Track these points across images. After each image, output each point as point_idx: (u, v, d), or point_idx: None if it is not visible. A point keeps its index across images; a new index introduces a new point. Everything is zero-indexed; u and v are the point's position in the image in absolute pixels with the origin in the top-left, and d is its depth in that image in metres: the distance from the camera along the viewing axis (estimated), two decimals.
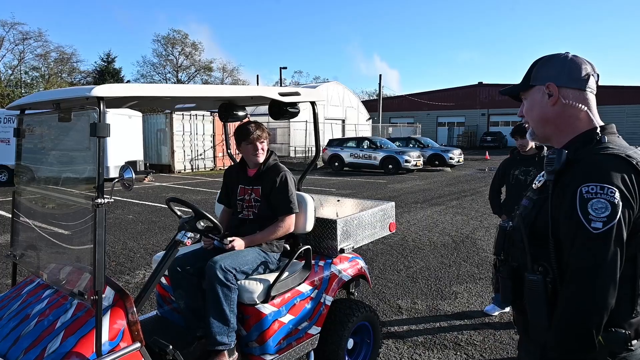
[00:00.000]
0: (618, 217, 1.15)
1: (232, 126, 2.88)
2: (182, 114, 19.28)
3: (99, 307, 1.65)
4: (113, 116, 15.29)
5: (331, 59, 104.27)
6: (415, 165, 17.97)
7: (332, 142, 20.32)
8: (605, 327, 1.18)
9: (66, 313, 1.80)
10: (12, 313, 1.92)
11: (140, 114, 18.03)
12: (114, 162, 16.02)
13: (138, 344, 1.77)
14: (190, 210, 2.26)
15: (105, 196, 1.65)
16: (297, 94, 2.56)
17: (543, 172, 1.38)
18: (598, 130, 1.32)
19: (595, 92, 1.38)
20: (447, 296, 4.49)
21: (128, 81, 44.11)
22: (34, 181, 2.48)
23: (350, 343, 2.86)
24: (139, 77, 55.95)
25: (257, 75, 43.63)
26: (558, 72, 1.35)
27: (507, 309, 4.04)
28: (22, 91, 35.94)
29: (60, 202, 2.15)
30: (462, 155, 20.87)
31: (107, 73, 41.87)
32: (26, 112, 2.32)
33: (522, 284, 1.31)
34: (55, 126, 2.34)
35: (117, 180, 1.73)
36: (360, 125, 31.31)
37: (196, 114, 19.80)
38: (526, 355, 1.41)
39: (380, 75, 34.89)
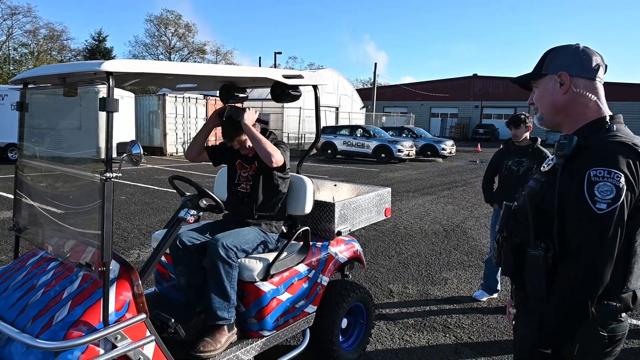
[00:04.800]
0: (622, 199, 1.24)
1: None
2: (175, 96, 19.09)
3: (106, 278, 1.70)
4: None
5: (326, 46, 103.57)
6: (408, 155, 18.07)
7: (325, 130, 20.29)
8: (598, 300, 1.29)
9: (72, 284, 1.84)
10: (18, 283, 1.96)
11: (132, 95, 17.82)
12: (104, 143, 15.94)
13: (143, 315, 1.82)
14: (193, 188, 2.29)
15: (114, 169, 1.68)
16: (300, 76, 2.59)
17: (552, 156, 1.47)
18: (607, 119, 1.40)
19: (603, 82, 1.44)
20: (437, 282, 4.60)
21: None
22: (36, 157, 2.50)
23: (344, 323, 2.94)
24: (131, 57, 55.01)
25: (260, 58, 43.16)
26: (570, 62, 1.42)
27: (495, 295, 4.16)
28: (11, 67, 35.23)
29: (66, 177, 2.17)
30: (455, 147, 21.02)
31: (98, 52, 41.05)
32: (29, 86, 2.31)
33: (524, 258, 1.40)
34: (59, 101, 2.34)
35: (125, 155, 1.76)
36: (354, 113, 31.26)
37: (189, 97, 19.63)
38: (523, 326, 1.50)
39: (375, 64, 34.78)
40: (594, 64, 1.42)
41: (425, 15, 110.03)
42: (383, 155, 17.94)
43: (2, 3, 35.92)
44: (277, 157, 2.46)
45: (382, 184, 11.96)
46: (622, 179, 1.25)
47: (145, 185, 10.39)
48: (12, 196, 7.99)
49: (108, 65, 1.66)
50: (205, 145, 2.85)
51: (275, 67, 37.30)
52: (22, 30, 37.79)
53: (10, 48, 37.09)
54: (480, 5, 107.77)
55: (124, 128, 16.31)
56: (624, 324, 1.38)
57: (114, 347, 1.74)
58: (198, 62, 51.77)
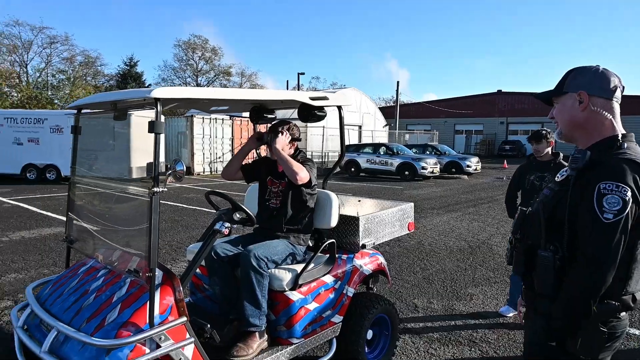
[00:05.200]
0: (627, 211, 1.38)
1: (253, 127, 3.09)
2: (202, 118, 19.70)
3: (152, 284, 1.87)
4: (136, 118, 15.80)
5: (348, 66, 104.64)
6: (432, 172, 18.01)
7: (348, 148, 20.46)
8: (600, 299, 1.42)
9: (121, 289, 2.03)
10: (72, 289, 2.16)
11: (162, 116, 18.54)
12: (137, 163, 16.55)
13: (184, 318, 1.98)
14: (226, 204, 2.47)
15: (160, 185, 1.87)
16: (325, 98, 2.77)
17: (566, 167, 1.62)
18: (620, 137, 1.53)
19: (620, 102, 1.58)
20: (463, 297, 4.62)
21: (149, 85, 45.06)
22: (83, 176, 2.73)
23: (369, 334, 3.03)
24: (160, 80, 57.03)
25: (287, 81, 43.98)
26: (590, 82, 1.57)
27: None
28: (49, 93, 37.08)
29: (114, 192, 2.39)
30: (480, 164, 20.82)
31: (130, 77, 42.77)
32: (82, 111, 2.57)
33: (534, 259, 1.54)
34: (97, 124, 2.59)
35: (169, 172, 1.96)
36: (377, 131, 31.40)
37: (216, 118, 20.21)
38: (531, 324, 1.62)
39: (397, 82, 35.09)
40: (611, 85, 1.56)
41: (447, 31, 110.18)
42: (407, 172, 17.95)
43: (42, 33, 37.89)
44: (302, 175, 2.63)
45: (406, 201, 11.98)
46: (629, 193, 1.38)
47: (174, 204, 10.74)
48: (53, 214, 8.41)
49: (157, 92, 1.87)
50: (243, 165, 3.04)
51: (298, 87, 38.02)
52: (59, 58, 39.89)
53: (48, 74, 39.14)
54: (503, 19, 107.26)
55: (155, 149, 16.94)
56: (624, 322, 1.52)
57: (158, 346, 1.90)
58: (224, 84, 53.27)
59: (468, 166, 19.82)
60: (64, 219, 8.55)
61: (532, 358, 1.62)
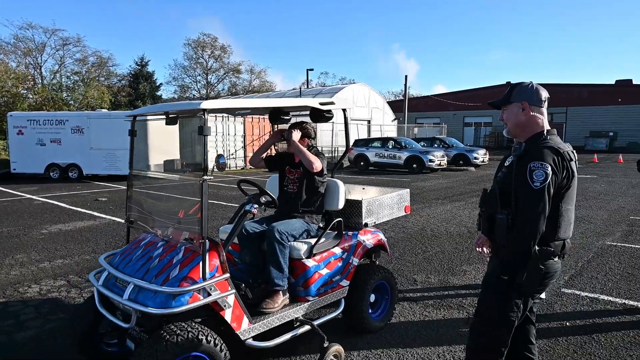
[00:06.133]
0: (548, 180, 2.02)
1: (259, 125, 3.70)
2: (215, 116, 20.40)
3: (204, 249, 2.50)
4: (153, 122, 16.51)
5: (357, 59, 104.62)
6: (439, 164, 18.48)
7: (357, 143, 21.04)
8: (538, 245, 2.05)
9: (178, 254, 2.66)
10: (139, 256, 2.80)
11: (209, 122, 19.25)
12: (154, 161, 17.28)
13: (227, 275, 2.61)
14: (255, 189, 3.09)
15: (207, 174, 2.49)
16: (332, 103, 3.37)
17: (512, 156, 2.25)
18: (545, 132, 2.19)
19: (546, 107, 2.25)
20: (457, 273, 5.21)
21: (161, 84, 45.95)
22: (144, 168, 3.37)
23: (372, 298, 3.63)
24: (171, 79, 58.00)
25: (301, 85, 44.74)
26: (529, 95, 2.24)
27: None
28: (64, 95, 38.14)
29: (170, 181, 3.02)
30: (487, 155, 21.20)
31: (141, 76, 43.62)
32: (137, 118, 3.20)
33: (494, 222, 2.18)
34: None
35: (214, 165, 2.58)
36: (386, 125, 31.88)
37: (228, 116, 20.90)
38: (493, 267, 2.31)
39: (405, 76, 35.55)
40: (543, 97, 2.24)
41: (456, 23, 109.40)
42: (415, 165, 18.46)
43: (54, 35, 38.94)
44: (317, 165, 3.24)
45: (412, 192, 12.53)
46: (549, 169, 2.03)
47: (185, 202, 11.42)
48: (82, 209, 9.22)
49: (205, 104, 2.49)
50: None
51: (307, 83, 38.58)
52: (72, 59, 40.95)
53: (62, 76, 40.17)
54: (513, 11, 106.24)
55: (170, 147, 17.70)
56: (557, 265, 2.16)
57: (209, 295, 2.53)
58: (234, 81, 54.03)
59: (475, 158, 20.22)
60: (93, 213, 9.34)
61: (489, 283, 2.26)
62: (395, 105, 39.51)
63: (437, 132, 35.43)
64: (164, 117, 2.94)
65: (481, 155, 20.53)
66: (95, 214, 9.41)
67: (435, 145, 21.92)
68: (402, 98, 41.29)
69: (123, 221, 8.56)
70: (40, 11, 66.15)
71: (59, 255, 6.17)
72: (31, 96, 36.50)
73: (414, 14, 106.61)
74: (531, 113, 2.21)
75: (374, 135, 29.45)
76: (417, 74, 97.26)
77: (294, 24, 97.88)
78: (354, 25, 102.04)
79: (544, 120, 2.23)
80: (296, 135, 3.32)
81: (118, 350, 3.04)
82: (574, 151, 2.22)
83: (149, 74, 44.37)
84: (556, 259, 2.15)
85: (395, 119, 33.63)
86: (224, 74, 53.78)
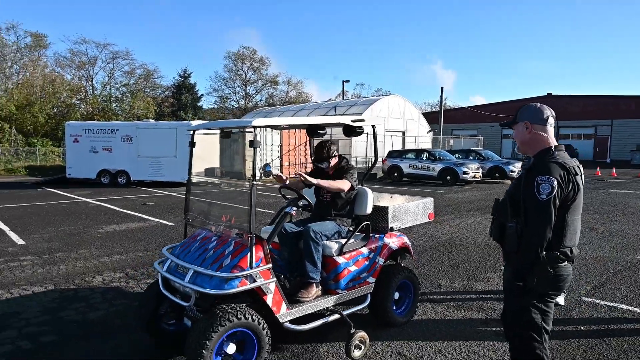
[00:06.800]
0: (554, 193, 2.27)
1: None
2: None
3: (251, 242, 3.00)
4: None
5: (393, 68, 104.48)
6: (474, 177, 18.47)
7: (391, 154, 21.33)
8: (546, 250, 2.30)
9: (229, 246, 3.16)
10: (196, 248, 3.33)
11: (258, 137, 20.18)
12: (195, 169, 18.24)
13: (270, 265, 3.09)
14: (293, 194, 3.57)
15: (255, 180, 2.99)
16: (363, 120, 3.82)
17: (523, 169, 2.54)
18: (552, 147, 2.46)
19: (553, 125, 2.52)
20: (481, 279, 5.48)
21: (202, 95, 47.81)
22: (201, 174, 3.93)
23: (396, 295, 4.01)
24: (212, 90, 60.17)
25: (336, 96, 45.59)
26: (531, 115, 2.52)
27: None
28: (114, 105, 40.49)
29: (223, 185, 3.54)
30: None
31: (184, 87, 45.56)
32: (196, 132, 3.77)
33: (504, 230, 2.44)
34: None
35: (261, 171, 3.08)
36: (421, 137, 31.94)
37: (265, 127, 21.68)
38: (505, 271, 2.55)
39: (442, 88, 35.37)
40: (545, 116, 2.49)
41: (496, 30, 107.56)
42: (448, 177, 18.53)
43: (105, 49, 41.49)
44: (343, 187, 3.69)
45: (445, 204, 12.72)
46: (555, 182, 2.29)
47: (233, 205, 12.11)
48: (132, 212, 10.16)
49: (255, 122, 3.01)
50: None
51: (343, 94, 39.22)
52: (121, 71, 43.41)
53: (112, 87, 42.66)
54: (556, 18, 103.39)
55: (211, 157, 18.60)
56: (566, 269, 2.36)
57: (254, 281, 3.02)
58: (271, 92, 55.48)
59: (512, 171, 20.01)
60: (142, 216, 10.16)
61: (506, 290, 2.54)
62: (431, 117, 39.43)
63: (474, 144, 35.07)
64: (218, 131, 3.48)
65: (518, 168, 20.27)
66: (144, 216, 10.22)
67: (471, 158, 21.87)
68: (438, 109, 41.16)
69: (169, 223, 9.29)
70: (93, 26, 70.57)
71: (115, 252, 6.88)
72: (83, 106, 39.00)
73: (452, 21, 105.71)
74: (534, 131, 2.46)
75: (408, 146, 29.58)
76: (454, 83, 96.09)
77: (329, 34, 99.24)
78: (389, 33, 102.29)
79: (549, 137, 2.48)
80: (312, 181, 3.59)
81: (176, 328, 3.57)
82: (580, 166, 2.45)
83: (191, 86, 46.30)
84: (565, 263, 2.34)
85: (430, 131, 33.60)
86: (262, 85, 55.37)
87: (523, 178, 2.43)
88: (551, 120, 2.51)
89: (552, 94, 43.67)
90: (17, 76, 37.26)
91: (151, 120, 23.82)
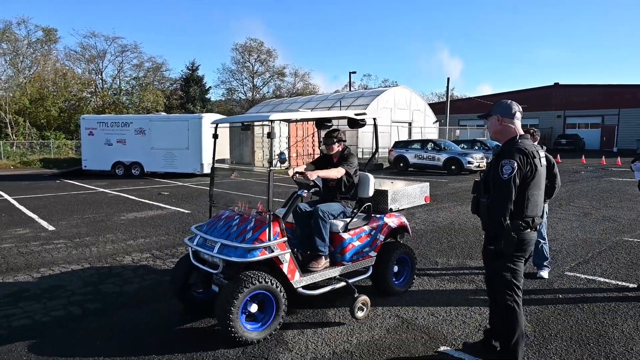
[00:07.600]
0: (514, 173, 2.82)
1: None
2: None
3: (269, 219, 3.54)
4: (206, 126, 17.97)
5: (399, 58, 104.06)
6: (478, 166, 18.83)
7: (397, 144, 21.76)
8: (511, 219, 2.84)
9: (250, 223, 3.71)
10: (221, 226, 3.88)
11: (275, 130, 20.75)
12: (207, 160, 18.78)
13: (285, 238, 3.63)
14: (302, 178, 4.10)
15: (272, 166, 3.52)
16: (365, 114, 4.33)
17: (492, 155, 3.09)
18: (518, 136, 2.99)
19: (520, 119, 3.04)
20: (475, 258, 6.00)
21: (210, 87, 48.30)
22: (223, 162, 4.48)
23: (395, 268, 4.55)
24: (219, 82, 60.63)
25: (343, 88, 45.97)
26: (502, 110, 3.07)
27: None
28: (124, 99, 41.15)
29: (244, 171, 4.08)
30: None
31: (192, 80, 45.95)
32: (218, 125, 4.30)
33: (479, 204, 3.01)
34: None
35: (277, 159, 3.61)
36: (427, 127, 32.28)
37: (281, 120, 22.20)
38: (484, 241, 3.11)
39: (448, 79, 35.71)
40: (513, 111, 3.03)
41: (504, 19, 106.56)
42: (453, 167, 18.95)
43: (114, 42, 42.02)
44: (337, 174, 4.19)
45: (448, 192, 13.20)
46: (515, 164, 2.83)
47: (239, 193, 12.68)
48: (149, 201, 10.90)
49: (272, 116, 3.54)
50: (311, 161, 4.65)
51: (349, 85, 39.56)
52: (130, 65, 43.92)
53: (122, 80, 43.24)
54: (565, 6, 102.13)
55: (221, 148, 19.15)
56: (529, 235, 2.91)
57: (272, 251, 3.57)
58: (278, 84, 55.87)
59: None
60: (159, 204, 10.78)
61: (484, 255, 3.12)
62: (438, 107, 39.64)
63: (481, 134, 35.32)
64: (239, 125, 4.01)
65: None
66: (162, 205, 10.83)
67: (476, 148, 22.20)
68: (444, 100, 41.34)
69: (186, 211, 9.90)
70: (102, 19, 71.22)
71: (139, 236, 7.48)
72: (94, 100, 39.70)
73: (458, 9, 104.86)
74: (504, 123, 3.02)
75: (414, 137, 29.95)
76: (461, 72, 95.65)
77: (334, 23, 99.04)
78: (395, 21, 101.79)
79: (517, 128, 3.02)
80: (312, 174, 4.05)
81: (204, 296, 4.14)
82: (541, 151, 3.00)
83: (199, 78, 46.69)
84: (528, 230, 2.87)
85: (436, 121, 33.91)
86: (269, 77, 55.73)
87: (492, 162, 2.99)
88: (518, 115, 3.05)
89: (560, 83, 43.60)
90: (29, 70, 37.99)
91: (163, 113, 24.39)
